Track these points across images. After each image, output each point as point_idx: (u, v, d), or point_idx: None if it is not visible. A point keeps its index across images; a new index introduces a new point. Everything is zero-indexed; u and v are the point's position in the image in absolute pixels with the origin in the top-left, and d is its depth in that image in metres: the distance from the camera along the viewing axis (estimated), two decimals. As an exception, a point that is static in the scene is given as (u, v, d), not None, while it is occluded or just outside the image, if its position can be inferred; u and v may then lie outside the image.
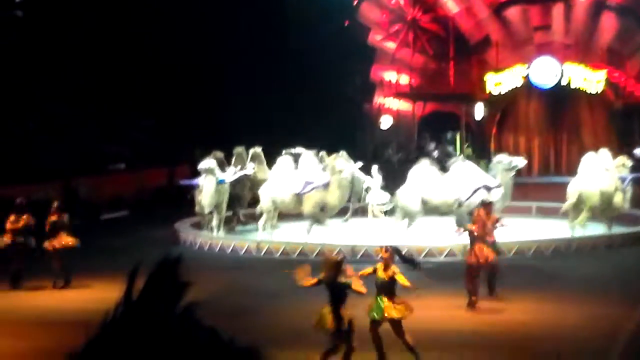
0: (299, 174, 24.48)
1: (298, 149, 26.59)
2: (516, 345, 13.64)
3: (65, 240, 19.08)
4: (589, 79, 38.56)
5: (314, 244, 22.22)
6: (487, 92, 39.95)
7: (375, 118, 43.36)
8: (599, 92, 38.73)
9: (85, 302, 17.39)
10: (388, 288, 12.13)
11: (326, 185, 23.80)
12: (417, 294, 12.61)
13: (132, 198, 31.87)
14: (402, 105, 43.76)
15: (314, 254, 21.26)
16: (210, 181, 24.60)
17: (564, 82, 38.45)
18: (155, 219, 28.09)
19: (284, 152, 26.52)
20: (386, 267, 12.28)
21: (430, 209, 23.56)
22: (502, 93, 39.86)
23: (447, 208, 23.45)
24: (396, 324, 12.03)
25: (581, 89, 38.73)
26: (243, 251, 22.85)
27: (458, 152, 42.00)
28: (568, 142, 40.33)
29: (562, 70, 38.36)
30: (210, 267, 21.25)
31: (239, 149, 27.00)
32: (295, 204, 24.31)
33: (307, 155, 25.24)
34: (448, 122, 42.71)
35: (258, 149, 27.33)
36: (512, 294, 16.60)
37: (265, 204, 24.81)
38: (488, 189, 23.18)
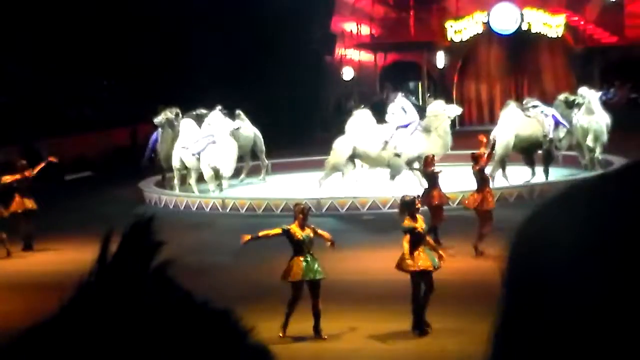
0: (382, 126, 24.01)
1: (200, 111, 26.14)
2: (481, 292, 13.80)
3: (29, 203, 18.93)
4: (549, 24, 38.74)
5: (279, 199, 22.28)
6: (448, 40, 40.05)
7: (337, 70, 43.29)
8: (558, 37, 38.93)
9: (52, 264, 17.43)
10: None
11: (426, 129, 23.65)
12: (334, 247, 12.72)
13: (95, 158, 31.71)
14: (364, 56, 43.71)
15: (279, 209, 21.33)
16: (234, 142, 24.38)
17: (524, 28, 38.62)
18: (119, 178, 27.99)
19: (187, 115, 26.13)
20: (303, 227, 12.30)
21: (522, 148, 24.17)
22: (462, 40, 39.97)
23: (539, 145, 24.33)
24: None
25: (541, 33, 38.91)
26: (208, 208, 22.87)
27: (420, 101, 42.17)
28: (529, 87, 40.56)
29: (522, 15, 38.50)
30: (175, 226, 21.20)
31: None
32: (381, 156, 23.57)
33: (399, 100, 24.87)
34: (410, 72, 42.76)
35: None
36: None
37: (341, 157, 23.63)
38: (558, 124, 24.58)
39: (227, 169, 24.09)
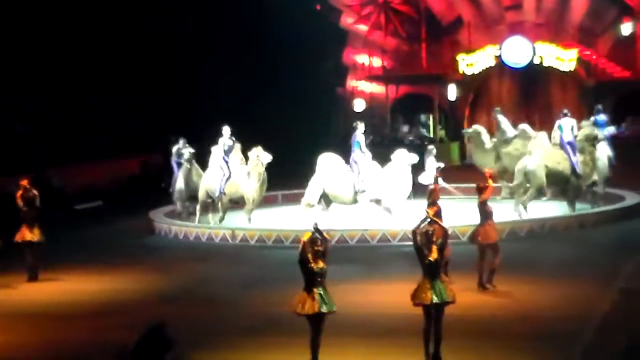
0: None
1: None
2: (490, 327, 13.69)
3: (33, 235, 18.77)
4: (561, 58, 38.76)
5: (288, 230, 22.17)
6: (460, 72, 40.08)
7: (348, 101, 43.36)
8: (570, 71, 38.93)
9: (59, 294, 17.36)
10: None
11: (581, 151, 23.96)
12: None
13: (105, 188, 31.67)
14: (375, 88, 43.78)
15: (289, 241, 21.23)
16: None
17: (536, 61, 38.64)
18: (129, 208, 27.97)
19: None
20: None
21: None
22: (474, 73, 40.01)
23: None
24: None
25: (553, 67, 38.92)
26: (218, 239, 22.78)
27: (432, 134, 42.16)
28: (540, 121, 40.42)
29: (534, 49, 38.54)
30: (186, 257, 21.23)
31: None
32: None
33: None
34: (421, 104, 42.77)
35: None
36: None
37: (542, 178, 23.41)
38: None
39: (392, 199, 22.82)
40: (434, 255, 11.90)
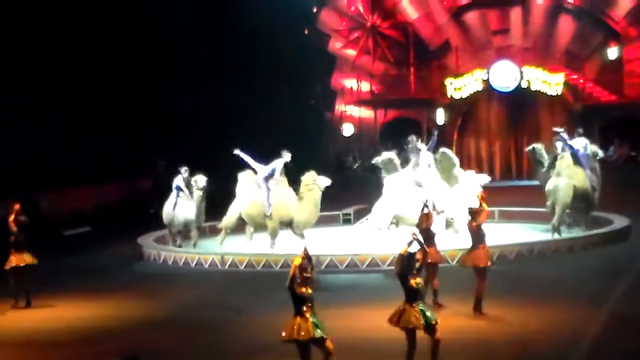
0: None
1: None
2: (478, 351, 13.68)
3: (28, 258, 18.70)
4: (548, 82, 38.95)
5: (278, 255, 22.16)
6: (448, 97, 40.23)
7: (337, 126, 43.48)
8: (558, 95, 39.10)
9: (47, 321, 17.27)
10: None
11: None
12: None
13: (94, 213, 31.60)
14: (364, 112, 43.89)
15: (279, 266, 21.22)
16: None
17: (523, 85, 38.83)
18: (118, 234, 27.89)
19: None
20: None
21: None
22: (462, 97, 40.16)
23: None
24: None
25: (540, 91, 39.10)
26: (207, 264, 22.74)
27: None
28: (529, 145, 40.56)
29: (521, 73, 38.74)
30: (175, 282, 21.19)
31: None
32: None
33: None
34: (410, 128, 42.71)
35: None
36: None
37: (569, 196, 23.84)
38: None
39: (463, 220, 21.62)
40: (417, 280, 11.91)
